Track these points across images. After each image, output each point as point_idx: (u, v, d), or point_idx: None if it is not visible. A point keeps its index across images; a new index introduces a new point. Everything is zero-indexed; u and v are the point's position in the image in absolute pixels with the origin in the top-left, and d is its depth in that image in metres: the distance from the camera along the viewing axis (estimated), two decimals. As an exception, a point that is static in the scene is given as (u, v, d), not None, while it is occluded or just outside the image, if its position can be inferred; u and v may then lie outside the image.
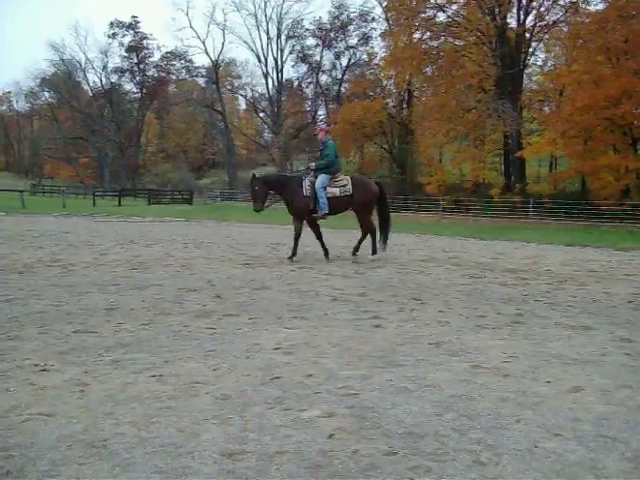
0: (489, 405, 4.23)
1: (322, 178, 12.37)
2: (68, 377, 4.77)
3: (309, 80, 69.34)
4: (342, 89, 64.57)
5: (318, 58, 66.05)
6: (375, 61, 58.97)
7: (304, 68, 68.12)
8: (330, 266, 11.77)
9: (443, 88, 40.87)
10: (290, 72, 73.76)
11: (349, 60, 63.80)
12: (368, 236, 12.95)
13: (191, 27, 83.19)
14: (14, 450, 3.47)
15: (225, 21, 72.52)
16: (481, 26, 38.35)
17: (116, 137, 79.31)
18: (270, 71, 68.08)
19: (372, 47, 62.01)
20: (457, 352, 5.63)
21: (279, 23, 66.03)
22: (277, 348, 5.66)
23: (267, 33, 66.88)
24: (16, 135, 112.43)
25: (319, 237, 12.98)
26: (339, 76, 65.18)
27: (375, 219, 13.14)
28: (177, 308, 7.57)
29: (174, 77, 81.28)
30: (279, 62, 67.23)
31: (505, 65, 37.74)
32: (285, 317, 7.09)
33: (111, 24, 79.19)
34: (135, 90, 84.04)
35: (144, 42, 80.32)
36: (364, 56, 63.08)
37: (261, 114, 75.53)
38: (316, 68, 65.90)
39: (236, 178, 68.89)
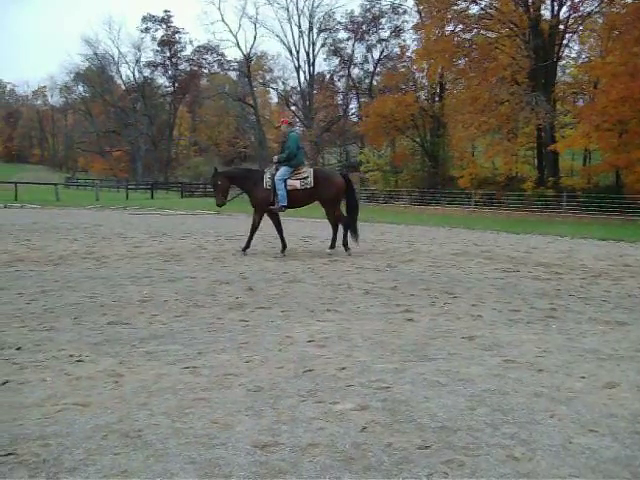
0: (523, 400, 4.20)
1: (282, 170, 12.28)
2: (103, 368, 4.83)
3: (341, 73, 69.14)
4: (374, 82, 64.29)
5: (350, 51, 65.83)
6: (407, 54, 58.56)
7: (336, 61, 67.93)
8: (362, 260, 11.76)
9: (476, 81, 40.50)
10: (322, 65, 73.86)
11: (381, 53, 63.51)
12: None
13: (223, 21, 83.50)
14: (51, 439, 3.52)
15: (257, 14, 72.51)
16: (514, 18, 37.91)
17: (149, 131, 79.82)
18: (302, 64, 67.94)
19: (404, 40, 61.67)
20: (490, 346, 5.60)
21: (311, 16, 65.84)
22: (310, 341, 5.67)
23: (299, 26, 66.72)
24: (51, 129, 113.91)
25: (279, 230, 12.82)
26: (371, 69, 64.91)
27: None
28: (210, 300, 7.62)
29: (206, 71, 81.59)
30: (311, 55, 67.04)
31: (538, 57, 37.29)
32: (318, 310, 7.12)
33: (144, 18, 79.72)
34: (167, 84, 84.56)
35: (176, 36, 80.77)
36: (396, 49, 62.74)
37: (293, 107, 75.44)
38: (348, 61, 65.68)
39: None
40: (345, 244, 12.65)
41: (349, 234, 12.68)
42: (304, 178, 12.33)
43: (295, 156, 12.39)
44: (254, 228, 12.56)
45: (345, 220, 12.77)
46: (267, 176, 12.39)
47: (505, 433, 3.65)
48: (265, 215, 12.62)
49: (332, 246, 12.70)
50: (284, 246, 12.64)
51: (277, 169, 12.33)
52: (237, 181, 12.91)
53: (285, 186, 12.19)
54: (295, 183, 12.27)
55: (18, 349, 5.33)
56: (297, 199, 12.45)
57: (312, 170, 12.65)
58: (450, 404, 4.10)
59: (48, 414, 3.88)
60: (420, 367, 4.90)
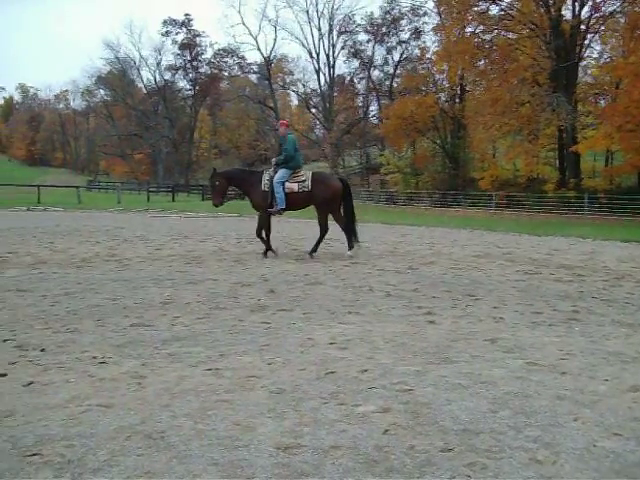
0: (545, 403, 4.18)
1: (281, 173, 12.26)
2: (125, 369, 4.86)
3: (361, 75, 69.16)
4: (394, 84, 64.22)
5: (370, 53, 65.83)
6: (427, 56, 58.48)
7: (356, 63, 67.95)
8: (383, 262, 11.75)
9: (496, 82, 40.37)
10: (342, 68, 73.98)
11: (401, 55, 63.47)
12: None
13: (243, 24, 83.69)
14: (75, 440, 3.54)
15: (277, 17, 72.81)
16: (535, 18, 37.74)
17: (170, 134, 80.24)
18: (322, 67, 68.05)
19: (424, 42, 61.63)
20: (512, 349, 5.57)
21: (331, 19, 65.91)
22: (331, 343, 5.68)
23: (319, 29, 66.84)
24: (73, 132, 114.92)
25: (267, 233, 12.71)
26: (391, 71, 64.88)
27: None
28: (231, 303, 7.65)
29: (226, 74, 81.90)
30: (331, 58, 67.13)
31: (560, 58, 37.09)
32: (339, 312, 7.12)
33: (164, 22, 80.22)
34: (188, 87, 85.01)
35: (197, 39, 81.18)
36: (416, 51, 62.66)
37: (313, 110, 75.58)
38: (368, 63, 65.65)
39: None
40: (350, 246, 12.63)
41: (350, 237, 12.67)
42: (302, 181, 12.31)
43: (293, 158, 12.37)
44: (264, 229, 12.56)
45: (327, 229, 12.74)
46: (265, 178, 12.38)
47: (528, 436, 3.64)
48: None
49: (314, 250, 12.56)
50: (268, 248, 12.54)
51: (275, 171, 12.33)
52: (235, 182, 12.96)
53: (283, 189, 12.20)
54: (293, 186, 12.25)
55: (42, 350, 5.38)
56: (295, 202, 12.41)
57: (310, 173, 12.62)
58: (472, 407, 4.09)
59: (72, 415, 3.91)
60: (442, 369, 4.89)
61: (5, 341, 5.68)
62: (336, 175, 13.94)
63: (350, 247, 12.60)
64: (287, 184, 12.22)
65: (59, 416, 3.89)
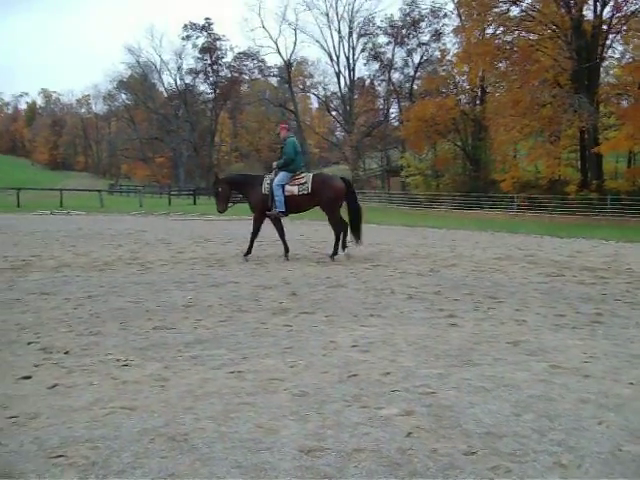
0: (569, 406, 4.16)
1: (280, 176, 12.26)
2: (149, 372, 4.89)
3: (381, 78, 69.13)
4: (414, 86, 64.14)
5: (390, 56, 65.77)
6: (447, 57, 58.32)
7: (376, 66, 67.93)
8: (404, 264, 11.72)
9: (517, 83, 40.19)
10: (362, 70, 73.88)
11: (421, 57, 63.35)
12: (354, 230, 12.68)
13: (263, 27, 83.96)
14: (99, 442, 3.57)
15: (297, 20, 72.68)
16: (556, 19, 37.53)
17: (191, 137, 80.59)
18: (342, 69, 68.16)
19: (444, 43, 61.42)
20: (535, 351, 5.55)
21: (350, 21, 66.01)
22: (354, 346, 5.67)
23: (339, 32, 66.95)
24: (94, 137, 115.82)
25: (281, 235, 12.72)
26: (411, 73, 64.76)
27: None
28: (254, 305, 7.67)
29: (247, 77, 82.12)
30: (351, 60, 67.22)
31: (581, 58, 36.86)
32: (361, 315, 7.11)
33: (185, 26, 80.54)
34: (209, 90, 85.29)
35: (217, 43, 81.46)
36: (436, 53, 62.51)
37: (333, 112, 75.66)
38: (388, 66, 65.61)
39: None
40: (343, 246, 12.56)
41: (351, 236, 12.62)
42: (302, 184, 12.28)
43: (293, 161, 12.36)
44: (255, 232, 12.57)
45: (344, 226, 12.69)
46: (266, 181, 12.39)
47: (552, 440, 3.62)
48: (283, 219, 12.60)
49: (335, 251, 12.56)
50: (286, 250, 12.58)
51: (276, 175, 12.34)
52: (237, 187, 12.98)
53: (283, 192, 12.18)
54: (293, 189, 12.24)
55: (66, 353, 5.42)
56: (296, 204, 12.42)
57: (311, 175, 12.60)
58: (495, 410, 4.08)
59: (96, 417, 3.94)
60: (465, 372, 4.88)
61: (29, 344, 5.74)
62: (338, 176, 13.80)
63: (344, 246, 12.57)
64: (287, 187, 12.23)
65: (83, 418, 3.92)
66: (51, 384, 4.58)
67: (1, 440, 3.60)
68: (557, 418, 3.94)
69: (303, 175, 12.47)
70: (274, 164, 12.59)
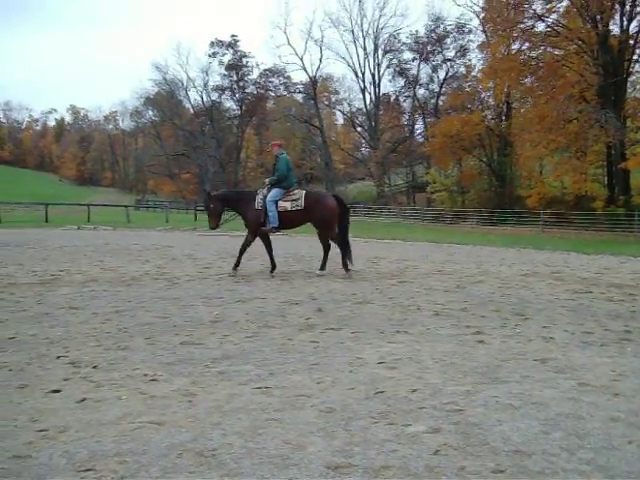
0: (599, 425, 4.12)
1: (274, 192, 12.30)
2: (176, 387, 4.91)
3: (406, 94, 69.28)
4: (440, 102, 64.20)
5: (415, 72, 66.00)
6: (473, 73, 58.52)
7: (401, 82, 68.13)
8: (431, 281, 11.69)
9: (543, 99, 40.09)
10: (387, 86, 74.09)
11: (446, 73, 63.47)
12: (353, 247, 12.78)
13: (289, 44, 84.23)
14: (127, 456, 3.59)
15: (322, 37, 72.82)
16: (582, 34, 37.45)
17: (217, 153, 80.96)
18: (367, 86, 68.43)
19: (469, 59, 61.57)
20: (563, 369, 5.51)
21: (376, 38, 66.31)
22: (380, 362, 5.66)
23: (364, 48, 67.27)
24: (121, 152, 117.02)
25: (269, 251, 12.74)
26: (436, 89, 64.87)
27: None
28: (280, 321, 7.67)
29: (273, 94, 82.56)
30: (376, 77, 67.48)
31: (608, 74, 36.72)
32: (387, 331, 7.09)
33: (211, 43, 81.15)
34: (235, 107, 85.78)
35: (243, 60, 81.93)
36: (462, 68, 62.68)
37: (358, 129, 75.86)
38: (413, 82, 65.75)
39: (334, 192, 69.25)
40: (345, 265, 12.48)
41: (342, 255, 12.56)
42: (295, 200, 12.34)
43: (286, 178, 12.44)
44: (245, 246, 12.60)
45: (329, 246, 12.71)
46: (259, 197, 12.44)
47: (581, 459, 3.58)
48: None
49: (322, 267, 12.60)
50: (273, 266, 12.58)
51: (269, 190, 12.39)
52: (230, 203, 12.98)
53: (276, 207, 12.23)
54: (286, 205, 12.28)
55: (94, 367, 5.46)
56: (289, 220, 12.46)
57: (304, 192, 12.63)
58: (524, 428, 4.05)
59: (124, 432, 3.96)
60: (492, 390, 4.85)
61: (58, 357, 5.78)
62: (331, 193, 13.81)
63: (345, 265, 12.49)
64: (280, 203, 12.27)
65: (112, 432, 3.94)
66: (80, 398, 4.61)
67: (31, 453, 3.64)
68: (586, 437, 3.90)
69: (296, 192, 12.53)
70: (266, 180, 12.68)
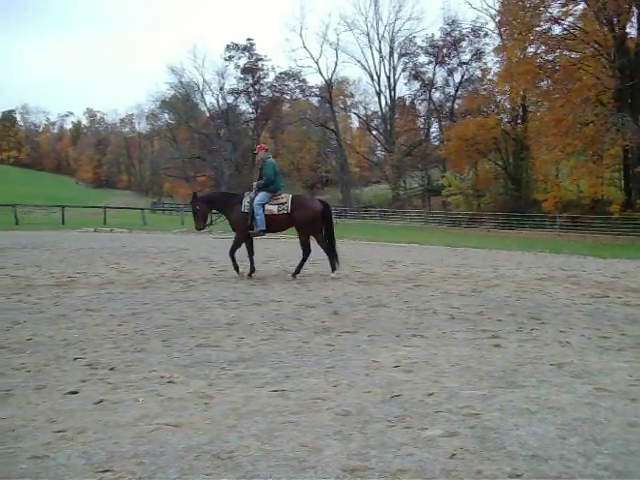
0: (616, 430, 4.10)
1: (261, 195, 12.32)
2: (193, 389, 4.94)
3: (422, 97, 69.16)
4: (455, 105, 64.10)
5: (431, 75, 65.93)
6: (489, 77, 58.43)
7: (417, 85, 68.08)
8: (446, 285, 11.65)
9: (559, 102, 39.94)
10: (403, 89, 73.95)
11: (462, 76, 63.35)
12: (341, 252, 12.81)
13: (305, 47, 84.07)
14: (145, 457, 3.62)
15: (338, 41, 72.79)
16: (599, 37, 37.29)
17: (232, 156, 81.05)
18: (383, 89, 68.45)
19: (485, 63, 61.45)
20: (580, 374, 5.49)
21: (391, 41, 66.35)
22: (396, 366, 5.66)
23: (379, 51, 67.32)
24: (137, 155, 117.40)
25: (250, 253, 12.71)
26: (452, 92, 64.78)
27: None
28: (296, 324, 7.69)
29: (288, 97, 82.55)
30: (392, 80, 67.49)
31: (624, 76, 36.54)
32: (403, 335, 7.09)
33: (227, 47, 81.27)
34: (250, 110, 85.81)
35: (259, 63, 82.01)
36: (477, 72, 62.58)
37: (374, 132, 75.88)
38: (429, 85, 65.68)
39: (349, 196, 69.31)
40: (333, 268, 12.57)
41: (329, 259, 12.65)
42: (282, 203, 12.35)
43: (273, 182, 12.48)
44: (247, 250, 12.64)
45: (310, 250, 12.68)
46: (246, 200, 12.47)
47: (599, 464, 3.57)
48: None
49: (297, 271, 12.52)
50: (252, 270, 12.54)
51: (256, 194, 12.42)
52: (216, 205, 13.03)
53: (263, 210, 12.26)
54: (272, 208, 12.30)
55: (111, 369, 5.50)
56: (275, 224, 12.47)
57: (290, 196, 12.65)
58: (541, 432, 4.04)
59: (142, 433, 3.99)
60: (509, 394, 4.84)
61: (76, 359, 5.82)
62: (317, 197, 13.81)
63: (333, 269, 12.58)
64: (267, 206, 12.29)
65: (129, 434, 3.97)
66: (97, 399, 4.65)
67: (49, 453, 3.67)
68: (604, 442, 3.88)
69: (283, 195, 12.55)
70: (254, 184, 12.70)
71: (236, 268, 12.48)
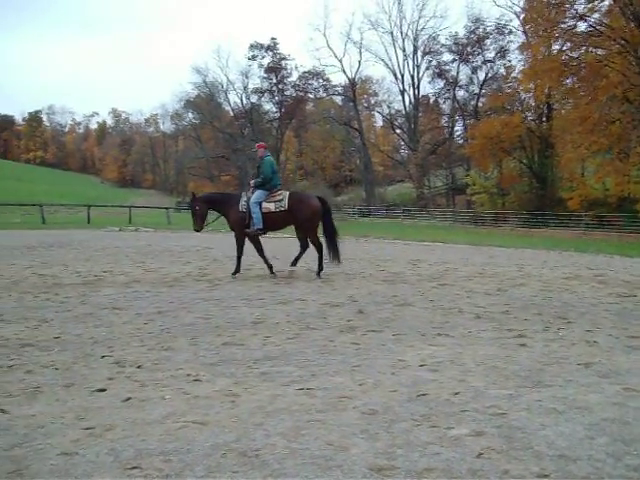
0: (645, 430, 4.07)
1: (257, 194, 12.30)
2: (219, 387, 4.97)
3: (446, 95, 68.80)
4: (479, 104, 63.72)
5: (455, 73, 65.54)
6: (513, 74, 57.95)
7: (440, 84, 67.72)
8: (471, 283, 11.61)
9: (585, 100, 39.57)
10: (427, 88, 73.78)
11: (486, 74, 62.88)
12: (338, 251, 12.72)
13: (328, 46, 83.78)
14: (172, 455, 3.65)
15: (361, 39, 72.55)
16: (625, 34, 36.83)
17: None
18: (406, 87, 68.14)
19: (509, 60, 60.93)
20: (608, 374, 5.45)
21: (415, 40, 66.02)
22: (422, 365, 5.66)
23: (403, 50, 67.01)
24: (162, 155, 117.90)
25: (260, 252, 12.71)
26: (476, 91, 64.34)
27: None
28: (321, 323, 7.71)
29: (312, 96, 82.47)
30: (415, 78, 67.16)
31: (652, 73, 36.13)
32: (429, 334, 7.08)
33: (251, 46, 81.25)
34: (274, 109, 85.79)
35: (282, 63, 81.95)
36: (502, 70, 62.11)
37: (398, 130, 75.61)
38: (453, 83, 65.34)
39: (373, 194, 69.15)
40: (320, 270, 12.52)
41: (330, 255, 12.61)
42: (279, 201, 12.34)
43: (270, 180, 12.45)
44: (239, 249, 12.59)
45: (307, 245, 12.74)
46: (243, 199, 12.45)
47: (628, 465, 3.55)
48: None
49: (293, 264, 12.65)
50: (237, 270, 12.48)
51: (253, 192, 12.40)
52: (215, 205, 12.95)
53: (260, 209, 12.23)
54: (270, 206, 12.29)
55: (138, 367, 5.54)
56: (273, 221, 12.45)
57: (288, 193, 12.63)
58: (568, 432, 4.02)
59: (169, 431, 4.02)
60: (535, 394, 4.82)
61: (103, 357, 5.88)
62: (315, 194, 13.77)
63: (320, 269, 12.51)
64: (264, 204, 12.29)
65: (156, 431, 4.01)
66: (125, 397, 4.69)
67: (78, 450, 3.71)
68: (633, 442, 3.85)
69: (280, 192, 12.54)
70: (251, 182, 12.70)
71: (237, 270, 12.44)
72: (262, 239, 12.71)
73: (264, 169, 12.51)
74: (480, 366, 5.64)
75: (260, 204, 12.28)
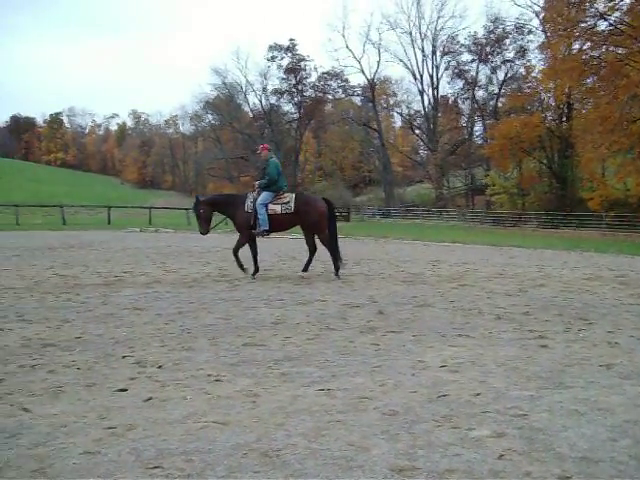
0: (669, 433, 4.03)
1: (264, 195, 12.30)
2: (240, 388, 4.98)
3: (465, 96, 68.62)
4: (499, 104, 63.46)
5: (474, 73, 65.35)
6: (533, 74, 57.65)
7: (460, 84, 67.53)
8: (491, 284, 11.58)
9: (605, 99, 39.27)
10: (446, 88, 73.40)
11: (506, 74, 62.65)
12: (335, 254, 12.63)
13: (347, 47, 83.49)
14: (194, 455, 3.66)
15: (380, 40, 72.53)
16: (646, 32, 36.62)
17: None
18: (425, 88, 68.04)
19: (529, 60, 60.64)
20: (630, 375, 5.41)
21: (434, 40, 65.93)
22: (442, 366, 5.64)
23: (422, 50, 66.93)
24: (181, 156, 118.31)
25: (254, 255, 12.67)
26: (496, 91, 64.11)
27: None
28: (341, 323, 7.71)
29: (331, 97, 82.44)
30: (434, 79, 67.06)
31: (673, 73, 35.83)
32: (449, 335, 7.06)
33: (270, 47, 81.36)
34: (293, 110, 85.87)
35: (301, 64, 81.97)
36: (521, 69, 61.81)
37: (417, 131, 75.50)
38: (472, 83, 65.13)
39: (392, 195, 69.07)
40: (337, 269, 12.52)
41: (332, 258, 12.59)
42: (285, 203, 12.35)
43: (276, 182, 12.45)
44: (239, 249, 12.62)
45: (315, 248, 12.75)
46: (249, 200, 12.45)
47: (652, 467, 3.52)
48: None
49: (305, 269, 12.67)
50: (256, 269, 12.52)
51: (259, 194, 12.40)
52: (219, 207, 13.01)
53: (266, 210, 12.24)
54: (276, 208, 12.30)
55: (159, 367, 5.57)
56: (279, 223, 12.47)
57: (294, 195, 12.64)
58: (590, 434, 3.99)
59: (190, 431, 4.03)
60: (557, 395, 4.80)
61: (124, 357, 5.91)
62: (321, 196, 13.77)
63: (337, 269, 12.53)
64: (270, 206, 12.31)
65: (178, 431, 4.02)
66: (146, 397, 4.72)
67: (100, 449, 3.73)
68: (656, 445, 3.82)
69: (286, 195, 12.55)
70: (256, 183, 12.70)
71: (240, 266, 12.49)
72: (267, 238, 12.69)
73: (270, 171, 12.52)
74: (501, 367, 5.62)
75: (266, 206, 12.31)
